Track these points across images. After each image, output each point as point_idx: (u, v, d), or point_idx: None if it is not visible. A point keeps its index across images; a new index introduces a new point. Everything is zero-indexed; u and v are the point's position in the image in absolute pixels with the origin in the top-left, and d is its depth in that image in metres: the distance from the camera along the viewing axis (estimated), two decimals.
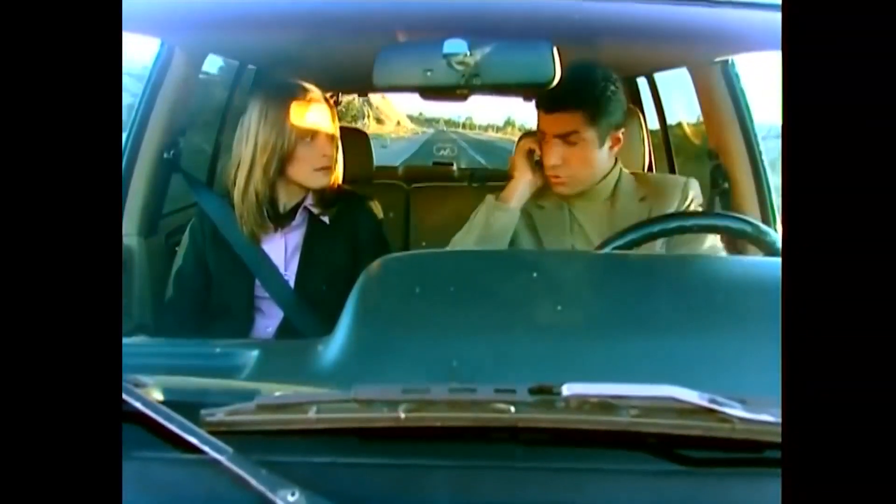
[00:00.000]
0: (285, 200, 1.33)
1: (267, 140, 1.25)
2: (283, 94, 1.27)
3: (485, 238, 1.22)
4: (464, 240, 1.24)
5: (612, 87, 1.23)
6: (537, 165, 1.26)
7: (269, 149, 1.25)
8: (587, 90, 1.22)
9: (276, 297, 1.30)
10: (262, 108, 1.26)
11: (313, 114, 1.27)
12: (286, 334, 1.31)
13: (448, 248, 1.25)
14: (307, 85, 1.29)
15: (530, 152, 1.27)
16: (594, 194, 1.30)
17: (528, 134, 1.34)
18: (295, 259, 1.33)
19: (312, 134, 1.26)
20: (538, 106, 1.25)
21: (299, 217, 1.34)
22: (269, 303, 1.33)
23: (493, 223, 1.23)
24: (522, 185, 1.26)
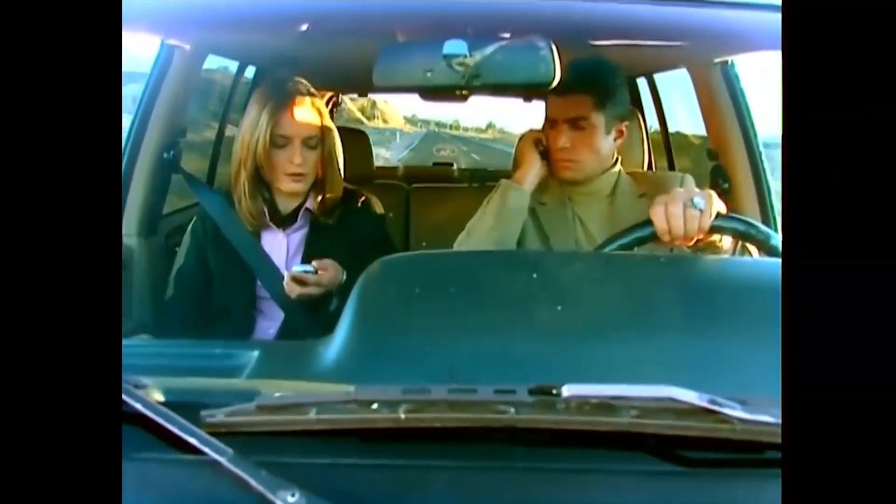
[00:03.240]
0: (285, 202, 1.33)
1: (243, 138, 1.26)
2: (265, 95, 1.27)
3: (501, 218, 1.24)
4: (480, 223, 1.25)
5: (619, 79, 1.30)
6: (543, 156, 1.29)
7: (246, 146, 1.26)
8: (598, 77, 1.28)
9: (278, 297, 1.30)
10: (249, 108, 1.28)
11: (284, 119, 1.26)
12: (287, 335, 1.30)
13: (464, 234, 1.26)
14: (296, 88, 1.28)
15: (537, 142, 1.30)
16: (596, 190, 1.32)
17: (532, 129, 1.38)
18: (297, 260, 1.33)
19: (282, 140, 1.26)
20: (550, 92, 1.27)
21: (301, 219, 1.34)
22: (270, 304, 1.32)
23: (509, 203, 1.24)
24: (532, 170, 1.28)
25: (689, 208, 0.93)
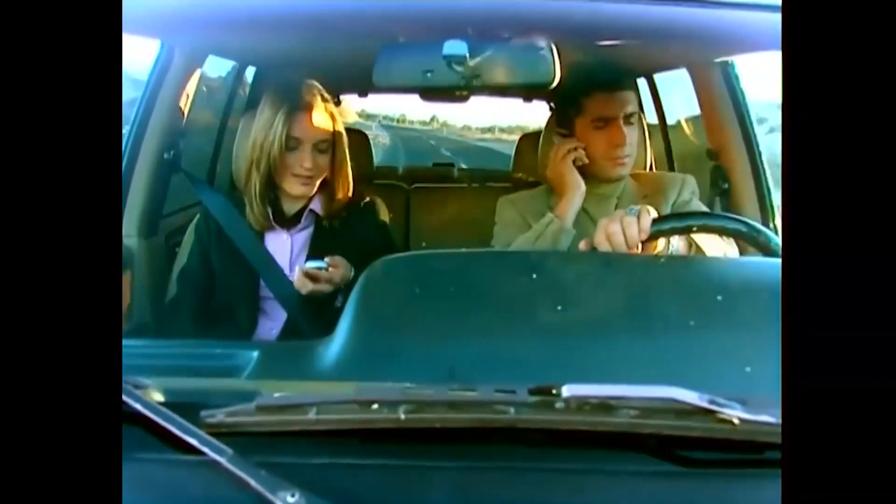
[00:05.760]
0: (290, 202, 1.33)
1: (256, 140, 1.26)
2: (278, 97, 1.27)
3: None
4: None
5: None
6: (581, 171, 1.27)
7: (259, 148, 1.26)
8: (634, 74, 1.34)
9: (281, 297, 1.30)
10: (260, 108, 1.27)
11: (297, 123, 1.26)
12: (290, 335, 1.30)
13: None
14: (307, 90, 1.28)
15: (574, 160, 1.27)
16: (609, 192, 1.32)
17: (562, 140, 1.32)
18: (300, 260, 1.33)
19: (294, 143, 1.26)
20: (598, 89, 1.26)
21: (305, 219, 1.34)
22: (273, 304, 1.32)
23: (559, 245, 1.23)
24: (576, 198, 1.26)
25: (626, 218, 0.93)
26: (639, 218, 0.93)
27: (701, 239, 1.02)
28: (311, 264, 1.22)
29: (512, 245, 1.27)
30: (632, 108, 1.26)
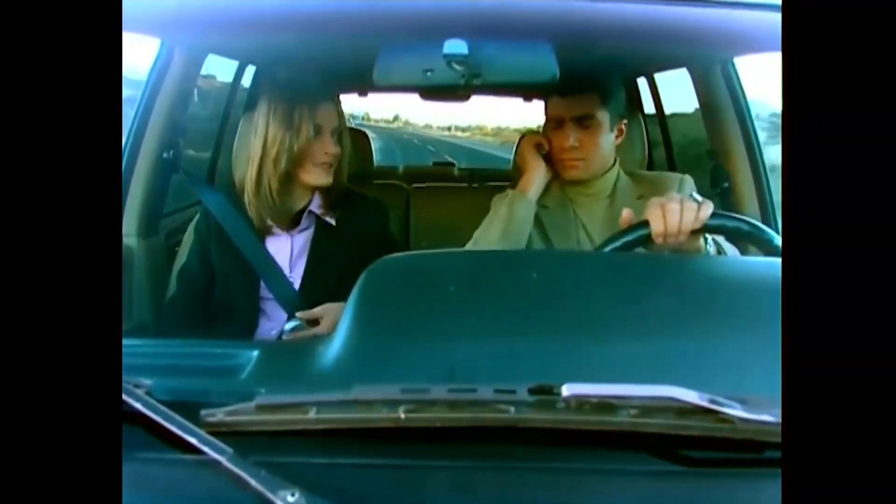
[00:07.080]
0: (291, 203, 1.33)
1: (276, 135, 1.25)
2: (290, 90, 1.28)
3: (509, 230, 1.24)
4: (487, 234, 1.26)
5: (619, 77, 1.35)
6: (546, 159, 1.31)
7: (278, 143, 1.25)
8: (602, 75, 1.31)
9: (281, 298, 1.30)
10: (270, 105, 1.27)
11: (318, 111, 1.27)
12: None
13: (471, 244, 1.27)
14: (314, 82, 1.30)
15: (538, 146, 1.32)
16: (597, 191, 1.32)
17: (531, 132, 1.40)
18: (301, 261, 1.33)
19: (317, 130, 1.27)
20: (554, 92, 1.30)
21: (305, 220, 1.33)
22: (273, 305, 1.32)
23: (517, 214, 1.25)
24: (537, 176, 1.30)
25: (686, 201, 0.93)
26: (700, 206, 0.93)
27: (723, 242, 1.02)
28: (289, 326, 1.21)
29: (480, 227, 1.29)
30: (584, 111, 1.27)
